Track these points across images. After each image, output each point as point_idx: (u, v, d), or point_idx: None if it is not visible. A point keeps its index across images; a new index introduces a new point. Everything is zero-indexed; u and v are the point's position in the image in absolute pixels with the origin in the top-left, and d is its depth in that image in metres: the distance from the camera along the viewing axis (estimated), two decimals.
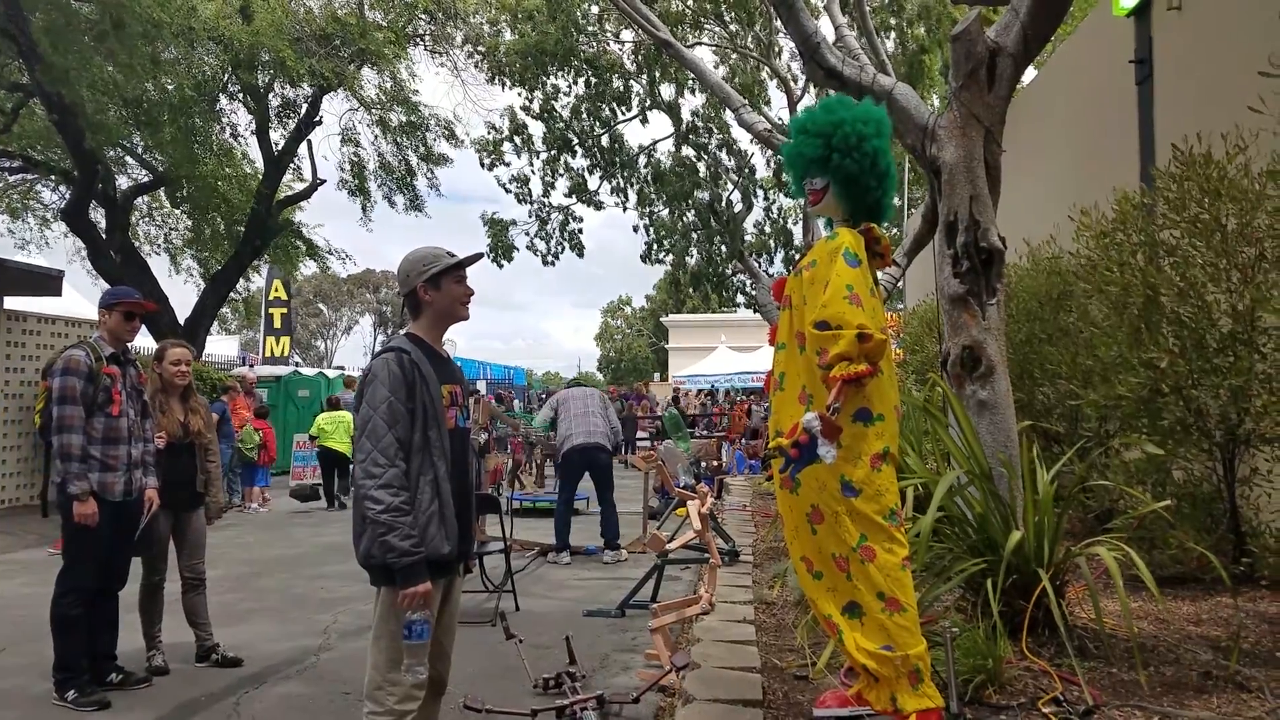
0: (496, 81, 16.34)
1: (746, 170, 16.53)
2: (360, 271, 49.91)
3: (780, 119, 14.14)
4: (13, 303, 10.77)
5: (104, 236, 13.11)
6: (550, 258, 18.27)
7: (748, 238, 16.94)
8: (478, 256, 2.78)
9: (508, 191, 17.94)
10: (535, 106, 16.59)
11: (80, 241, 13.81)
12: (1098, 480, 4.54)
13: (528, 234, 18.20)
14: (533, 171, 17.54)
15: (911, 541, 3.57)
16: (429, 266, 2.67)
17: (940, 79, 13.16)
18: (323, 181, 16.10)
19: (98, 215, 13.45)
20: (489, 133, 17.51)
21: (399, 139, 16.01)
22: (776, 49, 14.36)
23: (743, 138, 16.82)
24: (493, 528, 7.25)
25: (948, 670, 2.86)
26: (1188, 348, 4.29)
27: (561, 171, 17.41)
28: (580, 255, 18.62)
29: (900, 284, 10.39)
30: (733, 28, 14.78)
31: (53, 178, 14.55)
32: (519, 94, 16.46)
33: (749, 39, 14.69)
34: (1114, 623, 3.84)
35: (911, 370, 8.63)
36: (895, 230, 18.87)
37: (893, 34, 13.61)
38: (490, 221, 17.91)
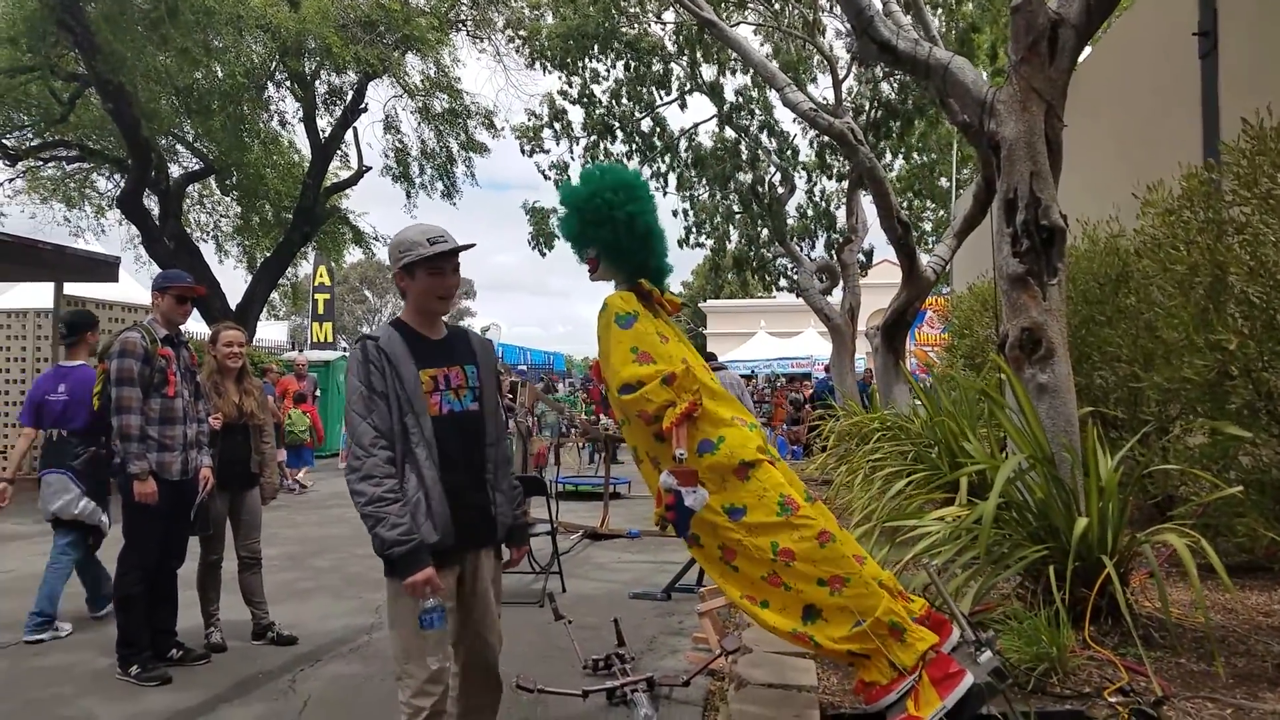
0: (537, 66, 16.32)
1: (789, 152, 16.30)
2: None
3: (825, 98, 13.91)
4: (72, 288, 11.08)
5: (158, 223, 13.41)
6: None
7: (790, 221, 16.73)
8: (458, 249, 2.61)
9: (547, 179, 17.95)
10: (574, 92, 16.53)
11: (134, 229, 14.15)
12: (1161, 465, 4.39)
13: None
14: (572, 158, 17.54)
15: (971, 528, 3.51)
16: (404, 254, 2.58)
17: (988, 59, 12.83)
18: (368, 169, 16.26)
19: (151, 203, 13.76)
20: (529, 119, 17.53)
21: (440, 126, 16.09)
22: (821, 27, 14.12)
23: (784, 119, 16.62)
24: (538, 510, 7.31)
25: (946, 604, 2.78)
26: (1258, 328, 4.12)
27: (601, 158, 17.34)
28: None
29: (948, 267, 10.19)
30: (776, 5, 14.54)
31: (107, 166, 14.91)
32: (559, 78, 16.43)
33: (795, 16, 14.46)
34: (1179, 612, 3.73)
35: (960, 355, 8.47)
36: (942, 211, 18.53)
37: (940, 11, 13.31)
38: (531, 210, 17.93)
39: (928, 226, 19.59)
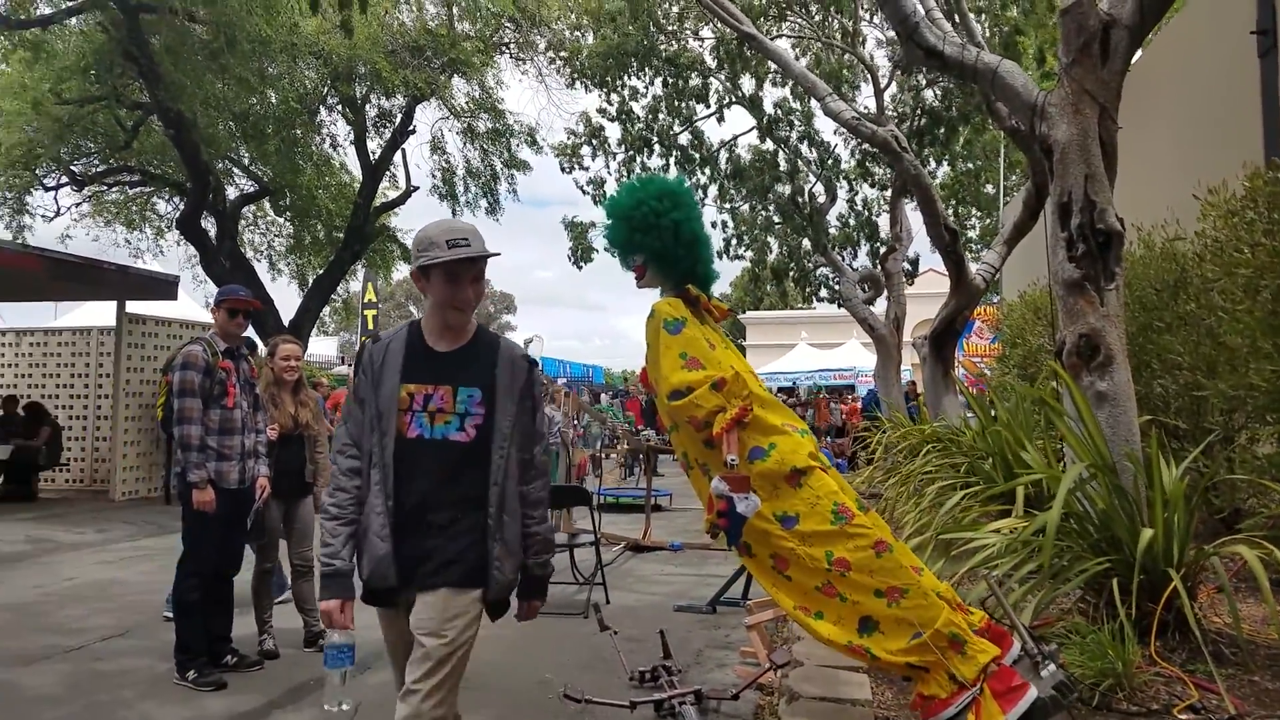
0: (578, 85, 16.53)
1: (830, 162, 16.23)
2: None
3: (866, 107, 13.81)
4: (133, 306, 11.45)
5: (215, 244, 13.80)
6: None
7: (831, 230, 16.62)
8: (477, 257, 2.27)
9: (585, 194, 18.13)
10: (613, 109, 16.70)
11: (192, 249, 14.57)
12: (1227, 476, 4.24)
13: (604, 236, 18.21)
14: (609, 173, 17.71)
15: (1029, 540, 3.41)
16: (421, 253, 2.27)
17: (1035, 62, 12.64)
18: (416, 188, 16.54)
19: (208, 224, 14.17)
20: (568, 138, 17.75)
21: (484, 145, 16.34)
22: (861, 38, 14.05)
23: (824, 129, 16.53)
24: (581, 520, 7.32)
25: (1007, 615, 2.71)
26: None
27: (638, 171, 17.45)
28: None
29: (997, 275, 10.00)
30: (817, 17, 14.52)
31: (167, 190, 15.42)
32: (599, 95, 16.61)
33: (834, 27, 14.42)
34: (1251, 628, 3.58)
35: (1013, 364, 8.29)
36: (989, 219, 18.22)
37: (984, 17, 13.16)
38: (570, 225, 18.16)
39: (973, 234, 19.30)
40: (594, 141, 17.41)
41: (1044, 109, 4.09)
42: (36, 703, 3.93)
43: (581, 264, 18.25)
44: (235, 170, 15.43)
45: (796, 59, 14.18)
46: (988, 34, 12.11)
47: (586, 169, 17.77)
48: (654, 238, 2.85)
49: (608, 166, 17.60)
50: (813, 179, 16.34)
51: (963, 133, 14.23)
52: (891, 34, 13.32)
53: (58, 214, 15.15)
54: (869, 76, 13.47)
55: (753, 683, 3.71)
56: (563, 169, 17.81)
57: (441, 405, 2.25)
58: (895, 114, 13.91)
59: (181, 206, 14.32)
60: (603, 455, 12.56)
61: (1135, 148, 7.82)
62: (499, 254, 2.32)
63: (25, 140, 12.86)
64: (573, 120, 18.21)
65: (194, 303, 15.55)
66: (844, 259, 16.29)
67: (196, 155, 12.14)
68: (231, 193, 15.29)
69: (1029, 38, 12.44)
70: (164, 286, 11.66)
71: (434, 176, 16.68)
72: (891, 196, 13.27)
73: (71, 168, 14.37)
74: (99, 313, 12.82)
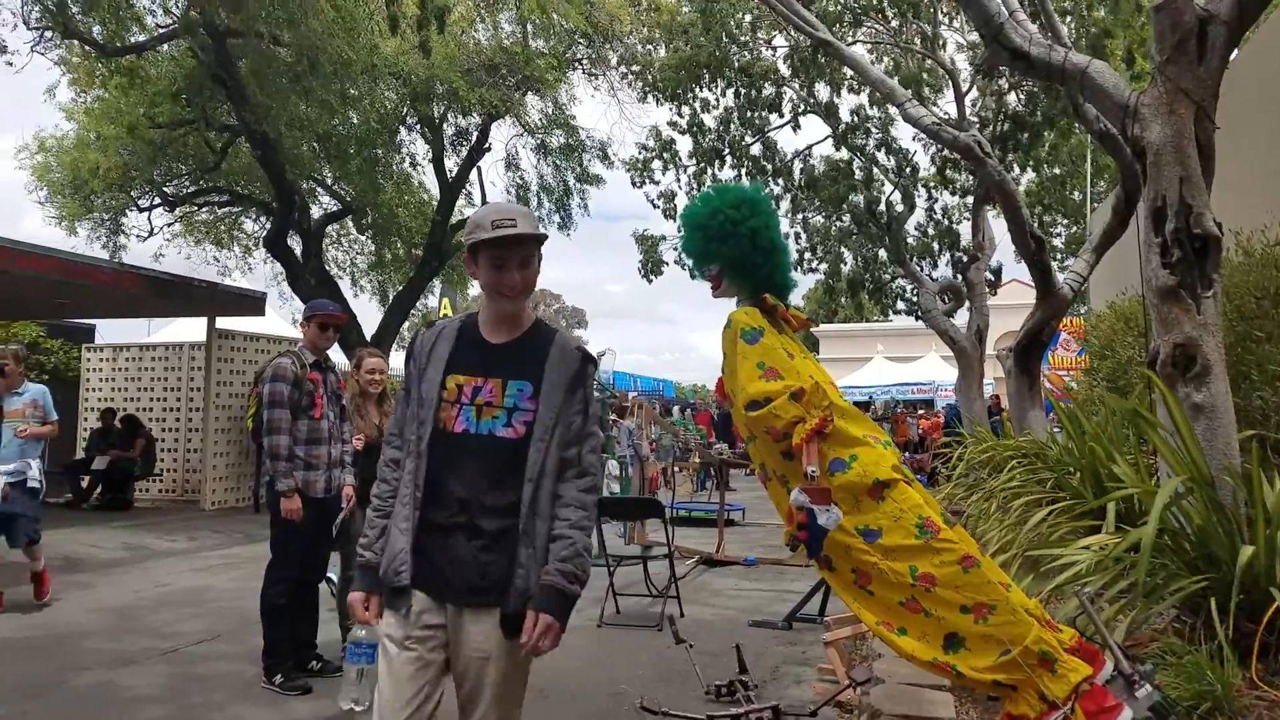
0: (650, 98, 16.63)
1: (908, 170, 15.91)
2: None
3: (946, 112, 13.50)
4: (223, 322, 11.97)
5: (300, 261, 14.34)
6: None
7: (909, 240, 16.27)
8: (522, 237, 2.09)
9: (655, 207, 18.20)
10: (683, 122, 16.74)
11: (278, 266, 15.18)
12: None
13: (675, 249, 18.33)
14: (679, 186, 17.75)
15: (1122, 557, 3.27)
16: (469, 234, 2.14)
17: (1124, 64, 12.18)
18: None
19: (294, 242, 14.74)
20: (639, 153, 17.87)
21: (557, 161, 16.59)
22: (941, 41, 13.75)
23: (902, 136, 16.23)
24: (654, 533, 7.32)
25: (1099, 633, 2.58)
26: None
27: (708, 183, 17.41)
28: None
29: (1085, 285, 9.63)
30: (895, 23, 14.30)
31: (254, 209, 16.10)
32: (670, 109, 16.67)
33: (913, 30, 14.17)
34: None
35: (1102, 377, 7.97)
36: (1075, 227, 17.60)
37: (1070, 19, 12.76)
38: (640, 238, 18.26)
39: (1059, 242, 18.66)
40: (664, 155, 17.49)
41: (1136, 109, 3.93)
42: (136, 703, 4.13)
43: (652, 277, 18.33)
44: (319, 190, 16.02)
45: (873, 64, 14.00)
46: (1073, 36, 11.74)
47: (657, 183, 17.87)
48: (731, 246, 2.83)
49: (678, 180, 17.67)
50: (890, 187, 16.05)
51: (1048, 137, 13.80)
52: (973, 37, 13.04)
53: (151, 233, 15.97)
54: (949, 81, 13.18)
55: (831, 699, 3.65)
56: (633, 183, 17.93)
57: (490, 399, 2.11)
58: (977, 119, 13.58)
59: (268, 225, 14.93)
60: (675, 469, 12.53)
61: (1233, 149, 7.44)
62: (546, 235, 2.20)
63: (121, 163, 13.61)
64: (644, 134, 18.24)
65: (280, 318, 16.18)
66: (923, 269, 15.93)
67: (282, 175, 12.65)
68: (315, 212, 15.87)
69: (1117, 39, 12.02)
70: (252, 303, 12.17)
71: (509, 193, 17.00)
72: (973, 204, 12.94)
73: (164, 189, 15.14)
74: (190, 329, 13.44)
